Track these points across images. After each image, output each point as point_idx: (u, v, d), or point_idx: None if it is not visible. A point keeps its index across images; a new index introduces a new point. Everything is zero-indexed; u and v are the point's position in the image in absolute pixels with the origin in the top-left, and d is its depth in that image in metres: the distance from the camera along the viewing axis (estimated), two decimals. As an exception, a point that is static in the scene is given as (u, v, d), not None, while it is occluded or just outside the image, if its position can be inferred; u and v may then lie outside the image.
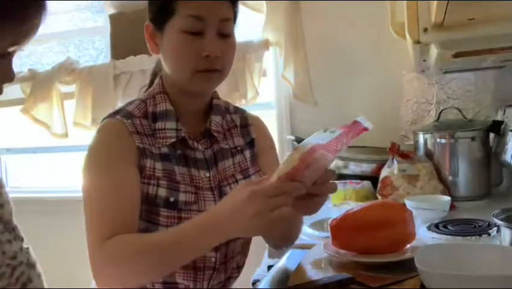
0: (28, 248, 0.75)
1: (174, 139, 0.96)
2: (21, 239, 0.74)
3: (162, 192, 0.92)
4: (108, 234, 0.83)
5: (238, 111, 1.12)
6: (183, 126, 0.98)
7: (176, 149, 0.97)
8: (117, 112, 0.98)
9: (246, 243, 1.06)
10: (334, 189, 0.83)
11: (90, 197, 0.90)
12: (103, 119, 0.99)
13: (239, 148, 1.06)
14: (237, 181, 1.02)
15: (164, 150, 0.96)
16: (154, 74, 1.08)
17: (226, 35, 0.95)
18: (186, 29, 0.92)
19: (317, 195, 0.81)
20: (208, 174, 0.98)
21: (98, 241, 0.84)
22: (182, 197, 0.94)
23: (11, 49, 0.68)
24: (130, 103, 1.02)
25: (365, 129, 0.87)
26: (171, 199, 0.92)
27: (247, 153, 1.06)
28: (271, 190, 0.73)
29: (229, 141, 1.05)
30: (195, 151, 0.99)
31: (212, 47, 0.92)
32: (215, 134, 1.01)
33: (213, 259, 0.96)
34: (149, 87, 1.06)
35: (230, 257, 1.01)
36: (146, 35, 0.99)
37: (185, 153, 0.98)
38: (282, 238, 1.09)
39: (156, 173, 0.93)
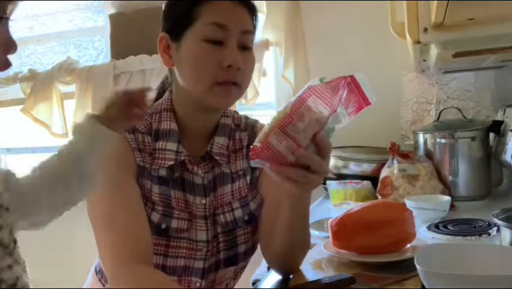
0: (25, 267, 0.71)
1: (172, 162, 0.92)
2: (21, 262, 0.70)
3: (155, 217, 0.90)
4: (129, 254, 0.81)
5: (249, 126, 1.05)
6: (185, 147, 0.94)
7: (175, 171, 0.93)
8: None
9: (241, 269, 1.02)
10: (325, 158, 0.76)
11: (101, 215, 0.86)
12: None
13: (241, 172, 1.00)
14: (233, 210, 0.97)
15: (162, 172, 0.92)
16: (161, 91, 1.04)
17: (246, 48, 0.92)
18: (207, 38, 0.88)
19: (312, 171, 0.75)
20: (204, 201, 0.94)
21: (121, 261, 0.81)
22: (174, 223, 0.91)
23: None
24: None
25: (368, 103, 0.81)
26: (163, 226, 0.90)
27: (249, 178, 1.00)
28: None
29: (232, 164, 0.99)
30: (194, 175, 0.95)
31: (234, 57, 0.88)
32: (217, 158, 0.96)
33: (198, 284, 0.94)
34: (154, 101, 1.01)
35: (218, 282, 0.99)
36: (160, 48, 0.94)
37: (183, 176, 0.94)
38: (284, 263, 0.98)
39: (152, 197, 0.91)
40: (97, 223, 0.87)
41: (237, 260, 0.98)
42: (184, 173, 0.94)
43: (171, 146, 0.93)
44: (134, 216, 0.86)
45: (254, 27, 0.95)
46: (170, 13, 0.93)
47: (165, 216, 0.90)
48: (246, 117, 1.07)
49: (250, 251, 1.01)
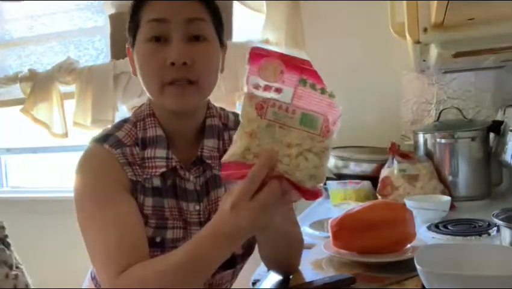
0: (16, 274, 0.69)
1: (164, 169, 0.87)
2: (9, 266, 0.68)
3: (148, 232, 0.86)
4: (123, 266, 0.77)
5: (238, 124, 0.98)
6: (174, 153, 0.89)
7: (167, 178, 0.89)
8: (106, 138, 0.88)
9: (238, 270, 1.00)
10: None
11: (93, 233, 0.82)
12: (91, 141, 0.89)
13: None
14: None
15: (156, 182, 0.88)
16: None
17: (197, 38, 0.84)
18: (150, 36, 0.83)
19: None
20: (198, 208, 0.90)
21: (113, 275, 0.77)
22: (169, 234, 0.88)
23: None
24: (120, 126, 0.92)
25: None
26: (158, 239, 0.87)
27: None
28: (247, 190, 0.62)
29: None
30: (186, 181, 0.90)
31: (176, 52, 0.81)
32: (208, 161, 0.91)
33: None
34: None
35: (216, 285, 0.96)
36: (129, 59, 0.91)
37: (175, 183, 0.90)
38: (278, 263, 0.97)
39: (145, 210, 0.87)
40: (90, 237, 0.83)
41: (234, 263, 0.95)
42: (175, 179, 0.90)
43: (161, 152, 0.88)
44: (128, 227, 0.81)
45: (211, 13, 0.87)
46: (128, 22, 0.89)
47: (159, 228, 0.87)
48: (235, 114, 1.00)
49: (247, 253, 0.98)
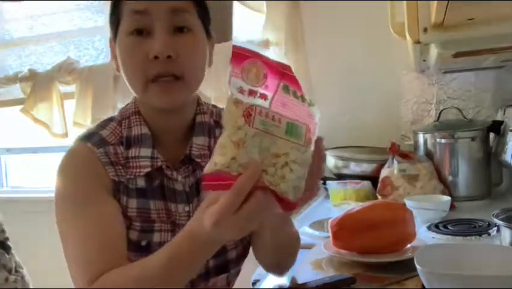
0: (16, 278, 0.67)
1: (149, 169, 0.83)
2: (9, 270, 0.67)
3: (133, 235, 0.82)
4: (98, 272, 0.73)
5: None
6: (161, 152, 0.85)
7: (153, 179, 0.84)
8: (90, 136, 0.85)
9: (234, 275, 0.96)
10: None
11: (70, 236, 0.79)
12: (76, 140, 0.87)
13: None
14: None
15: (140, 183, 0.83)
16: None
17: (181, 30, 0.79)
18: (131, 29, 0.78)
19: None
20: (187, 208, 0.85)
21: (87, 282, 0.73)
22: (156, 237, 0.83)
23: None
24: (104, 124, 0.88)
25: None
26: (143, 243, 0.83)
27: None
28: (232, 204, 0.57)
29: None
30: (174, 181, 0.86)
31: (159, 45, 0.76)
32: (198, 160, 0.86)
33: None
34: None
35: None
36: (112, 55, 0.87)
37: (163, 183, 0.85)
38: (276, 264, 0.95)
39: (129, 213, 0.82)
40: (66, 239, 0.79)
41: (228, 267, 0.92)
42: (163, 180, 0.85)
43: (146, 151, 0.84)
44: (107, 231, 0.78)
45: (194, 2, 0.82)
46: (109, 14, 0.85)
47: (145, 232, 0.83)
48: None
49: (241, 256, 0.94)
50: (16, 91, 2.51)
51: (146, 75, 0.78)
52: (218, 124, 0.92)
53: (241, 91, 0.58)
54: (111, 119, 0.90)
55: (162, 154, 0.85)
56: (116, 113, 0.92)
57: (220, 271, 0.91)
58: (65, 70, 2.39)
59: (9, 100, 2.62)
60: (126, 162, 0.84)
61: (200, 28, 0.83)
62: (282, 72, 0.60)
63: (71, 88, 2.43)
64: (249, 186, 0.57)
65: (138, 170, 0.83)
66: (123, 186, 0.83)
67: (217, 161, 0.57)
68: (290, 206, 0.60)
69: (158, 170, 0.84)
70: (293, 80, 0.60)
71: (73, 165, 0.83)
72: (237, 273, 0.96)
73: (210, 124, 0.91)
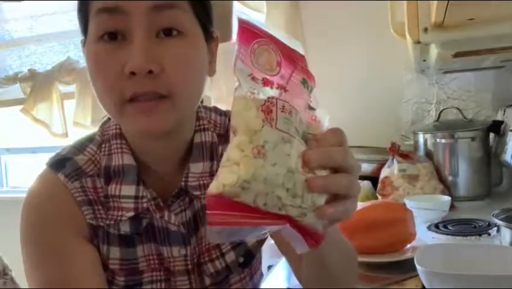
0: (4, 282, 0.66)
1: (132, 213, 0.66)
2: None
3: None
4: None
5: None
6: (150, 184, 0.68)
7: (141, 218, 0.68)
8: (62, 163, 0.68)
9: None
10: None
11: (32, 285, 0.65)
12: (46, 166, 0.71)
13: None
14: (223, 254, 0.73)
15: (124, 228, 0.67)
16: None
17: (170, 33, 0.58)
18: (100, 33, 0.58)
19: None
20: (184, 252, 0.70)
21: None
22: None
23: None
24: (82, 147, 0.71)
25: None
26: None
27: None
28: None
29: None
30: (167, 221, 0.69)
31: (138, 56, 0.55)
32: (196, 192, 0.69)
33: None
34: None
35: None
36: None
37: (152, 222, 0.69)
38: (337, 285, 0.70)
39: (110, 265, 0.68)
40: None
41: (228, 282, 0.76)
42: (153, 219, 0.69)
43: (128, 189, 0.66)
44: (81, 286, 0.63)
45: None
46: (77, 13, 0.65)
47: (130, 287, 0.69)
48: None
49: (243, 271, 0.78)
50: (16, 91, 2.51)
51: (121, 94, 0.58)
52: (222, 138, 0.72)
53: (254, 79, 0.42)
54: (90, 139, 0.72)
55: (153, 187, 0.69)
56: (97, 129, 0.74)
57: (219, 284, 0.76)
58: (65, 70, 2.39)
59: (9, 100, 2.62)
60: (106, 200, 0.67)
61: (197, 29, 0.62)
62: (297, 63, 0.47)
63: (71, 88, 2.42)
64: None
65: (119, 214, 0.66)
66: (102, 231, 0.67)
67: (225, 182, 0.40)
68: (318, 240, 0.45)
69: (146, 209, 0.68)
70: (310, 75, 0.48)
71: (39, 205, 0.67)
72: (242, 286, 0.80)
73: (212, 142, 0.71)
